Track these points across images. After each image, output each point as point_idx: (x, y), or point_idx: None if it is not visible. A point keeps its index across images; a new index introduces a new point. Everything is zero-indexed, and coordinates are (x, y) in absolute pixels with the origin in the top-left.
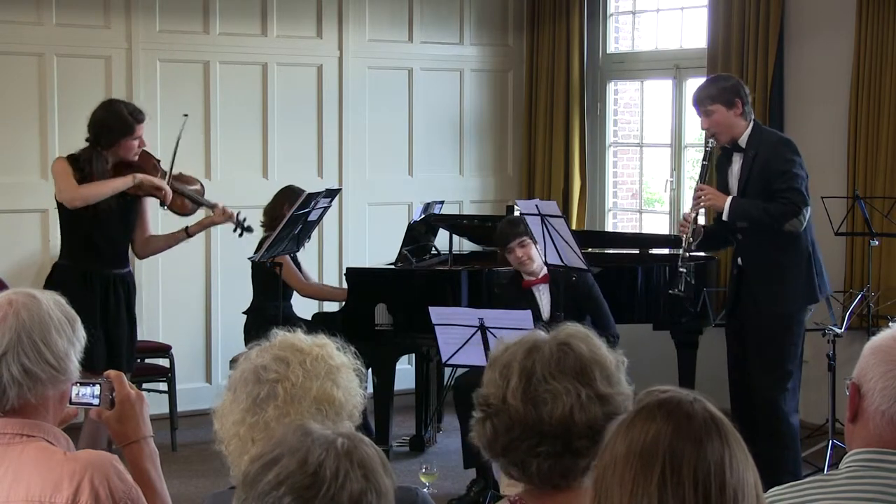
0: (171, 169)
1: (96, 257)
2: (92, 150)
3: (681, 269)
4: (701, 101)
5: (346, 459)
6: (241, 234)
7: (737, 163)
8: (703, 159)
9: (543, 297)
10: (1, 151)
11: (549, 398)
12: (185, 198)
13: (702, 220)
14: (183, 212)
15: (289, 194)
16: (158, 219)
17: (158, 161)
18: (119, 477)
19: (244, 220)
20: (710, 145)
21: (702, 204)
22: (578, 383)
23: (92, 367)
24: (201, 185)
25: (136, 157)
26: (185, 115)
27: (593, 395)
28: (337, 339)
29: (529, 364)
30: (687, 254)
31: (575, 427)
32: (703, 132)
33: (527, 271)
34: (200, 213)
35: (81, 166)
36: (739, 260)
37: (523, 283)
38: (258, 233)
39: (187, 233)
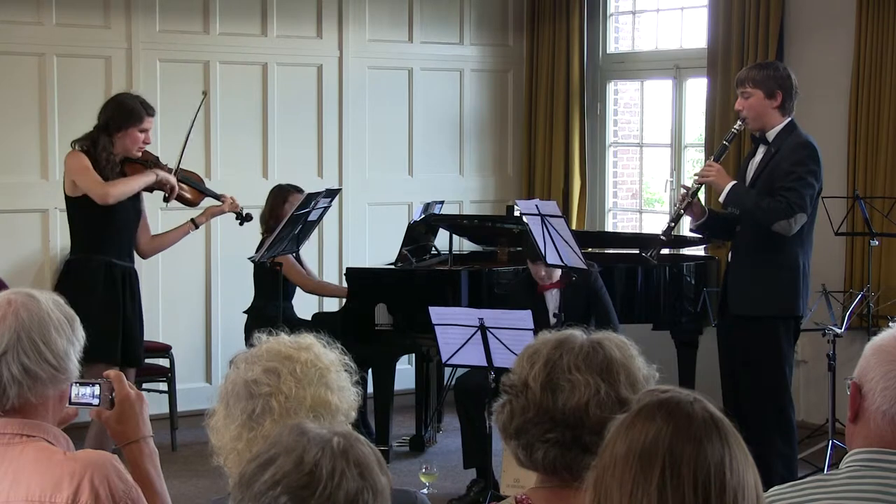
0: (182, 155)
1: (116, 248)
2: (98, 132)
3: (661, 237)
4: (743, 80)
5: (342, 458)
6: (241, 223)
7: (759, 155)
8: (726, 139)
9: (553, 300)
10: (1, 151)
11: (567, 387)
12: (194, 189)
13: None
14: (192, 203)
15: (281, 193)
16: (157, 214)
17: (157, 157)
18: (119, 476)
19: (242, 208)
20: (737, 127)
21: (705, 179)
22: (601, 379)
23: (110, 357)
24: (200, 178)
25: (140, 154)
26: (204, 93)
27: (613, 395)
28: (321, 335)
29: (557, 354)
30: (672, 223)
31: (588, 420)
32: (733, 121)
33: (541, 283)
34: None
35: (88, 149)
36: (730, 256)
37: (538, 288)
38: (257, 227)
39: (195, 224)
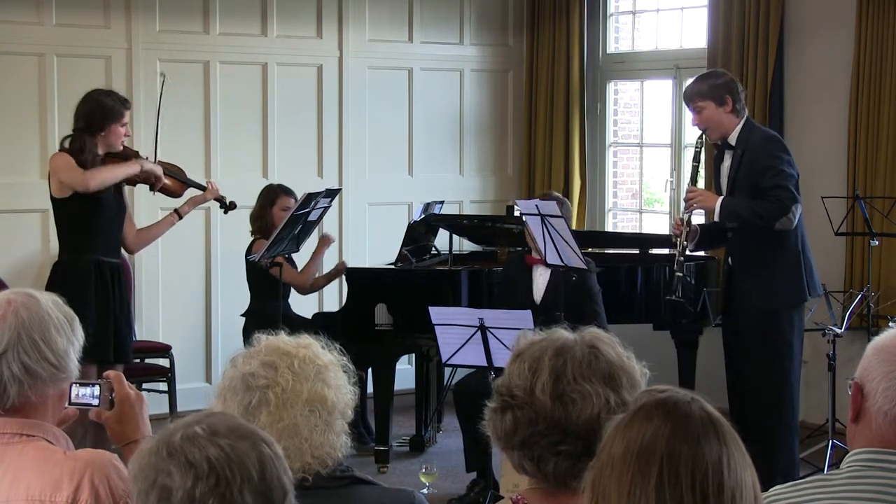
0: (157, 145)
1: (103, 246)
2: (82, 136)
3: (677, 274)
4: (691, 97)
5: (218, 437)
6: (226, 211)
7: (728, 160)
8: (693, 160)
9: (541, 277)
10: (1, 151)
11: (578, 399)
12: (176, 179)
13: (696, 220)
14: (174, 194)
15: (269, 195)
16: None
17: (137, 152)
18: (119, 475)
19: (225, 197)
20: (698, 146)
21: (693, 206)
22: (608, 388)
23: (103, 358)
24: (181, 169)
25: (121, 148)
26: (163, 74)
27: (620, 402)
28: (320, 336)
29: (560, 363)
30: (682, 258)
31: (600, 431)
32: (699, 132)
33: (536, 247)
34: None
35: (77, 152)
36: (730, 259)
37: (527, 258)
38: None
39: (178, 215)
